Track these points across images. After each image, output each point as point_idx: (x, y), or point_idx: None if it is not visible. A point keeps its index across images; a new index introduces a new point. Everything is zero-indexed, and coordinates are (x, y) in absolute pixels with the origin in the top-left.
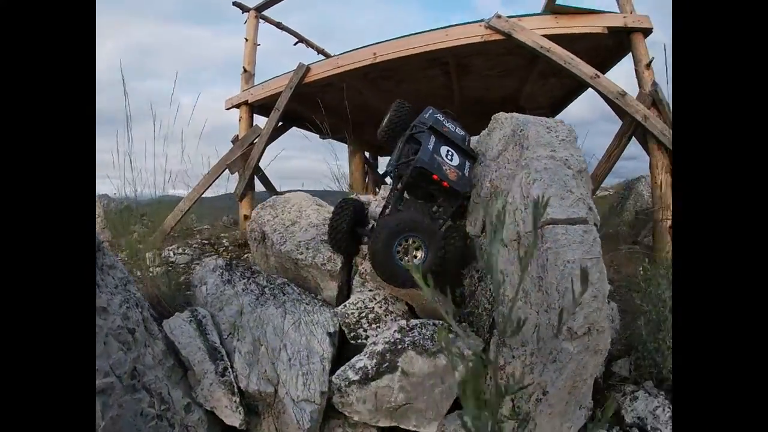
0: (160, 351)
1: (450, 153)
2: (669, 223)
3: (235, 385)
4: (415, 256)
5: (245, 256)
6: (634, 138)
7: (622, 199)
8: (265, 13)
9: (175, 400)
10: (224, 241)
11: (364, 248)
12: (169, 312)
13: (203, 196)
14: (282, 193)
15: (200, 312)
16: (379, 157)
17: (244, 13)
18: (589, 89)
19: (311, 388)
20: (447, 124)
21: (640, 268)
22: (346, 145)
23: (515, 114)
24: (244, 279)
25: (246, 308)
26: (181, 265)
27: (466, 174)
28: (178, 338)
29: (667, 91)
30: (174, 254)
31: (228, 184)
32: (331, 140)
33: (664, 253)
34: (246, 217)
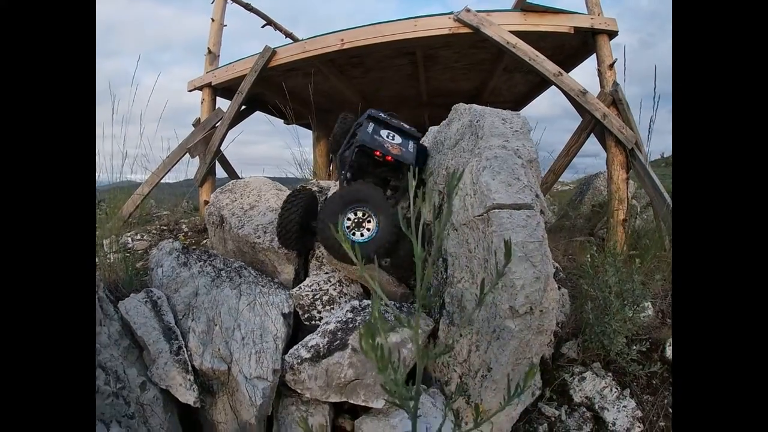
0: (115, 331)
1: (391, 134)
2: (622, 216)
3: (189, 363)
4: (368, 229)
5: (204, 241)
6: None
7: (580, 193)
8: None
9: (130, 378)
10: (183, 226)
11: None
12: (126, 296)
13: (162, 181)
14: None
15: (155, 293)
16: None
17: None
18: (552, 86)
19: (264, 365)
20: (386, 116)
21: (588, 256)
22: (311, 132)
23: (474, 105)
24: (200, 262)
25: (201, 290)
26: (139, 251)
27: (410, 150)
28: (134, 318)
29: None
30: (132, 240)
31: (188, 168)
32: (295, 126)
33: (612, 243)
34: (206, 203)
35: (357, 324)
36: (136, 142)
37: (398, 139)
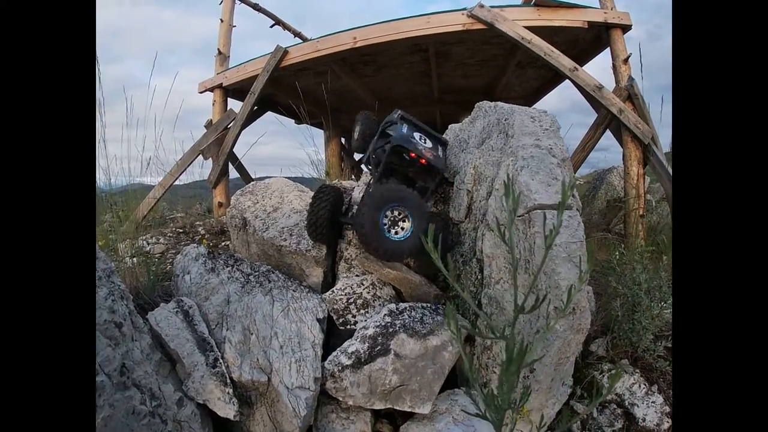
0: (146, 345)
1: (423, 137)
2: (641, 211)
3: (227, 375)
4: (403, 228)
5: (223, 244)
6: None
7: (594, 188)
8: None
9: (166, 395)
10: (200, 229)
11: (348, 234)
12: (149, 304)
13: (173, 184)
14: (258, 179)
15: (186, 302)
16: None
17: None
18: (565, 81)
19: (305, 374)
20: (415, 119)
21: (616, 254)
22: (322, 131)
23: (500, 103)
24: (228, 267)
25: (233, 297)
26: (157, 255)
27: (441, 155)
28: (165, 330)
29: (642, 86)
30: (148, 244)
31: (201, 171)
32: (306, 126)
33: (636, 240)
34: (220, 205)
35: (396, 328)
36: (147, 145)
37: (429, 144)
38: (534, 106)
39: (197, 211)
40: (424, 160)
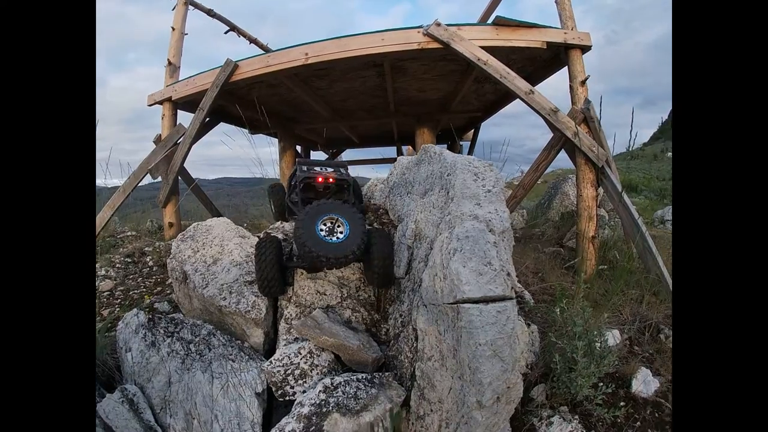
0: None
1: (322, 168)
2: (592, 233)
3: None
4: (341, 232)
5: (170, 294)
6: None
7: (549, 197)
8: None
9: None
10: (149, 259)
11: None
12: (98, 365)
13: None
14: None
15: (130, 390)
16: (311, 152)
17: None
18: None
19: None
20: (314, 160)
21: (557, 309)
22: (277, 140)
23: (445, 152)
24: (168, 338)
25: (174, 376)
26: (105, 293)
27: (346, 172)
28: (114, 422)
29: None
30: (96, 277)
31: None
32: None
33: (586, 263)
34: (171, 225)
35: (330, 408)
36: (100, 146)
37: (330, 169)
38: (492, 117)
39: (148, 228)
40: (331, 179)
